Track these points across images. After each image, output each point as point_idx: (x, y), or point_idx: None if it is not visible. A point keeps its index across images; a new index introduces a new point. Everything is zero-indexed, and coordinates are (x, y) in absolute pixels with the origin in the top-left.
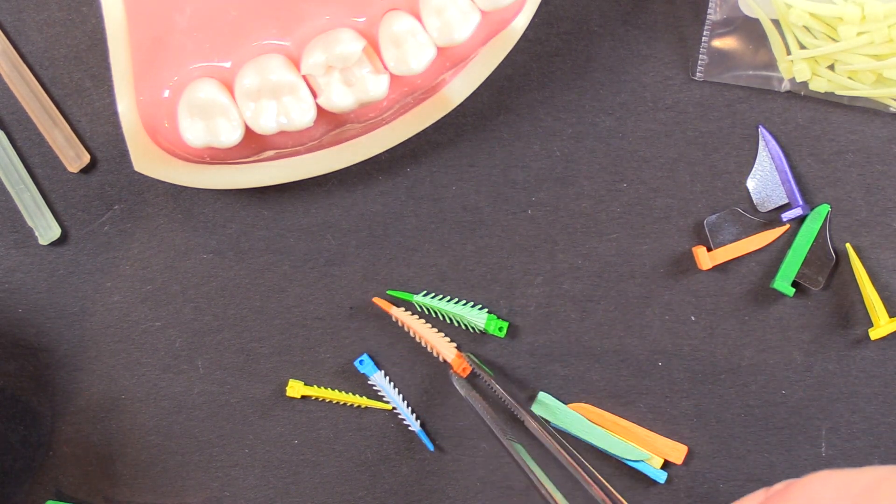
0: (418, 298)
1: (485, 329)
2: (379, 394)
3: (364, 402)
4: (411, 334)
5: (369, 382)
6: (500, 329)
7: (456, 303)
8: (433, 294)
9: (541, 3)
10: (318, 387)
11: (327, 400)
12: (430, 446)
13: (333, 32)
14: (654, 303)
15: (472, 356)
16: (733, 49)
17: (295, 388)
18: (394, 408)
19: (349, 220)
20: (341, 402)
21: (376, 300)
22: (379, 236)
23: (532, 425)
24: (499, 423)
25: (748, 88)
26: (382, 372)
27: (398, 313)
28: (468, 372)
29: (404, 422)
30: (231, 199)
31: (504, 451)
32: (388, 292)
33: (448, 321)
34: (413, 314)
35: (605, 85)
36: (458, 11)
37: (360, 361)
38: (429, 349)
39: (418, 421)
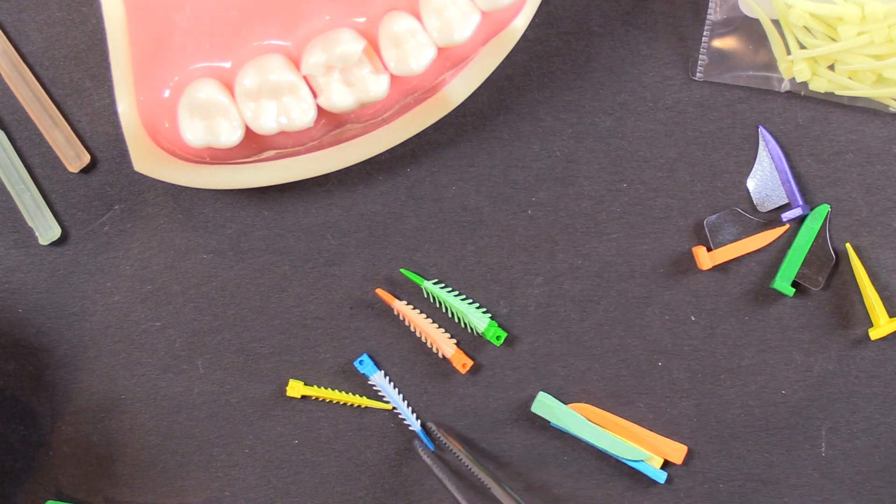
0: (427, 284)
1: (483, 333)
2: (379, 394)
3: (364, 402)
4: (412, 329)
5: (369, 382)
6: (498, 338)
7: (463, 299)
8: (444, 285)
9: (541, 3)
10: (318, 387)
11: (327, 400)
12: (431, 446)
13: (333, 32)
14: (654, 303)
15: (439, 429)
16: (733, 49)
17: (295, 388)
18: (394, 407)
19: (349, 220)
20: (341, 403)
21: (378, 291)
22: (379, 236)
23: (501, 495)
24: (465, 491)
25: (748, 88)
26: (382, 372)
27: (400, 306)
28: (468, 368)
29: (404, 422)
30: (231, 199)
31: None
32: (400, 270)
33: (451, 315)
34: (415, 308)
35: (605, 85)
36: (458, 11)
37: (360, 361)
38: (429, 344)
39: (418, 421)
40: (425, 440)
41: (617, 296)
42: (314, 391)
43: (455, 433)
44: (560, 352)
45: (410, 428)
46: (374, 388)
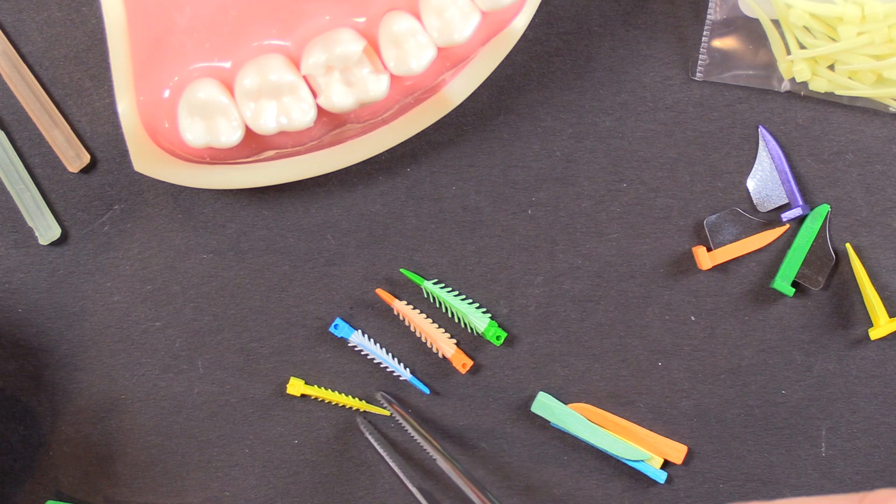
0: (427, 284)
1: (483, 333)
2: (362, 353)
3: (363, 405)
4: (412, 329)
5: (349, 344)
6: (498, 338)
7: (463, 299)
8: (443, 285)
9: (541, 3)
10: (319, 387)
11: (327, 401)
12: (426, 390)
13: (333, 32)
14: (654, 303)
15: (387, 396)
16: (733, 49)
17: (295, 386)
18: (379, 363)
19: (349, 220)
20: (341, 404)
21: (378, 291)
22: (379, 236)
23: (445, 466)
24: (404, 466)
25: (748, 88)
26: (360, 331)
27: (400, 306)
28: (468, 368)
29: (394, 373)
30: (231, 199)
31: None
32: (400, 270)
33: (450, 315)
34: (415, 308)
35: (605, 85)
36: (458, 11)
37: (335, 326)
38: (429, 344)
39: (407, 370)
40: (419, 386)
41: (617, 296)
42: (314, 391)
43: (402, 404)
44: (560, 352)
45: (401, 378)
46: (356, 348)
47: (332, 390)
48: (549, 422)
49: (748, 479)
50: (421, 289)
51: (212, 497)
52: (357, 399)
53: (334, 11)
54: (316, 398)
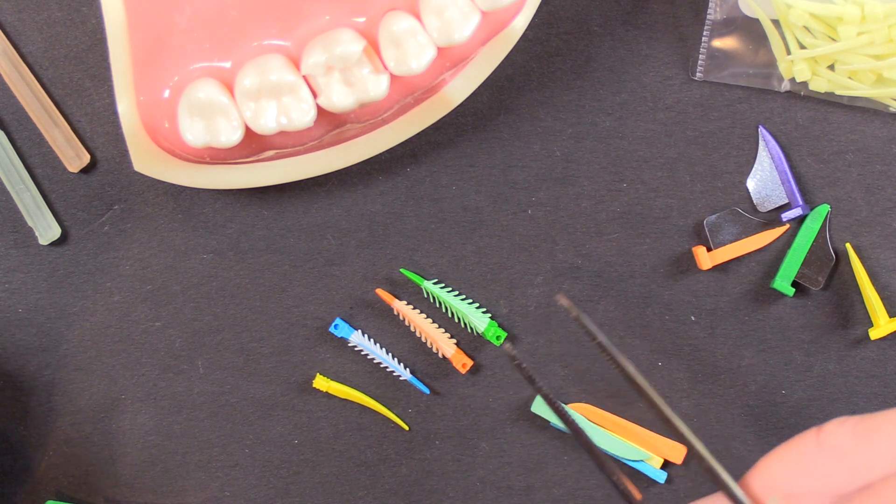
0: (427, 284)
1: (483, 333)
2: (362, 353)
3: (384, 410)
4: (412, 329)
5: (349, 344)
6: (498, 338)
7: (463, 299)
8: (443, 285)
9: (541, 3)
10: (344, 384)
11: (346, 398)
12: (426, 390)
13: (333, 32)
14: (654, 303)
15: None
16: (733, 49)
17: (321, 382)
18: (380, 363)
19: (349, 220)
20: (361, 403)
21: (378, 291)
22: (379, 236)
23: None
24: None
25: (748, 88)
26: (360, 331)
27: (400, 306)
28: (468, 368)
29: (394, 373)
30: (231, 199)
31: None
32: (400, 270)
33: (451, 315)
34: (415, 308)
35: (605, 85)
36: (458, 11)
37: (335, 326)
38: (429, 344)
39: (407, 370)
40: (419, 386)
41: (617, 296)
42: (337, 390)
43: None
44: (560, 352)
45: (401, 378)
46: (356, 348)
47: (356, 390)
48: (549, 422)
49: None
50: (421, 289)
51: (212, 497)
52: (373, 399)
53: (334, 11)
54: (328, 395)
